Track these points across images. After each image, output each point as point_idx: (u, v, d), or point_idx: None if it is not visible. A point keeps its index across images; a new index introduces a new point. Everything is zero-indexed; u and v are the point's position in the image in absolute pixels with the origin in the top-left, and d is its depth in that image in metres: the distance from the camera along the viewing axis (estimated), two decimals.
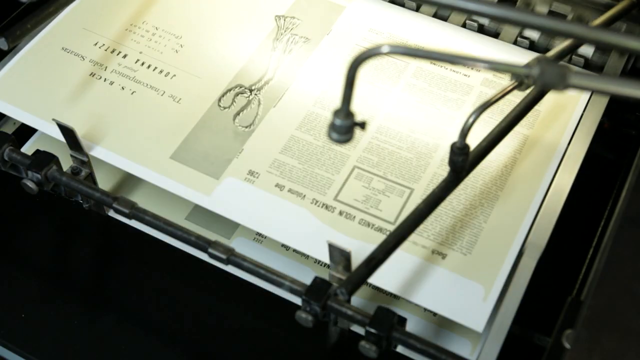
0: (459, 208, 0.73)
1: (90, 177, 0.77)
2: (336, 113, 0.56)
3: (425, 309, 0.74)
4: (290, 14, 0.87)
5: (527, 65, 0.55)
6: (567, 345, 0.59)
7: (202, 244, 0.68)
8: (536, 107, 0.76)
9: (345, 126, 0.56)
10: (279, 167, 0.76)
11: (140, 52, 0.84)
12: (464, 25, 0.88)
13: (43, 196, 0.76)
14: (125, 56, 0.84)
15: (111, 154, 0.77)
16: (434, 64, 0.82)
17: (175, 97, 0.81)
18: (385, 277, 0.68)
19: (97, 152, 0.77)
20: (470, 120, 0.64)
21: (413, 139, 0.78)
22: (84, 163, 0.77)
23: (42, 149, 0.74)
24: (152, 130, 0.78)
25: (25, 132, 0.87)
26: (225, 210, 0.73)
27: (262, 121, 0.79)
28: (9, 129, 0.86)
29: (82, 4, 0.88)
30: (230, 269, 0.71)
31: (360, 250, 0.65)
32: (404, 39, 0.85)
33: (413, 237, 0.70)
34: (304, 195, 0.74)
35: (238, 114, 0.80)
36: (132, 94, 0.81)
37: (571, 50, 0.76)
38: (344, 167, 0.76)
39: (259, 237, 0.79)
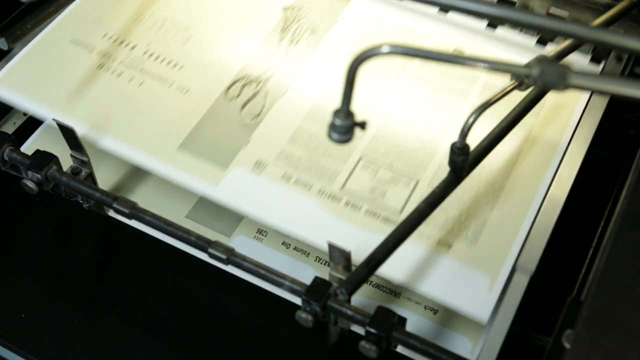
0: (465, 198, 0.73)
1: (90, 177, 0.77)
2: (336, 113, 0.56)
3: (425, 307, 0.75)
4: (296, 5, 0.87)
5: (527, 65, 0.55)
6: (567, 345, 0.59)
7: (202, 244, 0.68)
8: (538, 104, 0.76)
9: (345, 126, 0.56)
10: (286, 157, 0.76)
11: (149, 44, 0.84)
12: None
13: (43, 196, 0.76)
14: (133, 47, 0.84)
15: (119, 144, 0.77)
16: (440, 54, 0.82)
17: (183, 88, 0.81)
18: (390, 267, 0.68)
19: (105, 142, 0.77)
20: (471, 120, 0.64)
21: (419, 130, 0.78)
22: (84, 163, 0.77)
23: (42, 148, 0.74)
24: (160, 122, 0.78)
25: (26, 132, 0.87)
26: (233, 201, 0.73)
27: (269, 112, 0.79)
28: (9, 129, 0.86)
29: None
30: (230, 268, 0.71)
31: (365, 240, 0.65)
32: (411, 29, 0.85)
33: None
34: (311, 186, 0.74)
35: (245, 104, 0.80)
36: (140, 85, 0.81)
37: (571, 50, 0.76)
38: (350, 157, 0.76)
39: (260, 236, 0.79)
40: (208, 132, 0.78)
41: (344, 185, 0.75)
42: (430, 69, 0.82)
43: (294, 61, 0.83)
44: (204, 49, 0.84)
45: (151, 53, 0.84)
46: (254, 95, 0.81)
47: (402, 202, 0.74)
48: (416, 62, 0.82)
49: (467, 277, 0.69)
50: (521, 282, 0.69)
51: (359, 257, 0.66)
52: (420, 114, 0.79)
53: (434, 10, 0.87)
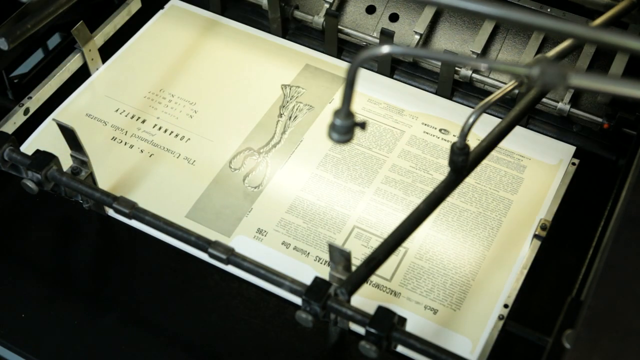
0: (450, 266, 0.78)
1: (90, 177, 0.77)
2: (336, 113, 0.56)
3: (425, 307, 0.75)
4: (295, 83, 0.93)
5: (527, 65, 0.55)
6: (567, 345, 0.59)
7: (202, 244, 0.68)
8: (519, 175, 0.83)
9: (345, 126, 0.56)
10: (285, 225, 0.81)
11: (158, 118, 0.90)
12: (450, 96, 0.92)
13: (43, 196, 0.76)
14: (144, 121, 0.89)
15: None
16: (426, 133, 0.88)
17: (190, 159, 0.86)
18: None
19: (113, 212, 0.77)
20: (471, 120, 0.64)
21: (408, 202, 0.82)
22: (84, 163, 0.77)
23: (41, 148, 0.74)
24: (168, 191, 0.83)
25: (26, 132, 0.87)
26: (234, 268, 0.74)
27: (269, 182, 0.84)
28: (9, 129, 0.86)
29: (104, 74, 0.94)
30: (230, 268, 0.71)
31: (359, 306, 0.66)
32: (400, 109, 0.90)
33: (407, 293, 0.76)
34: (308, 253, 0.79)
35: (247, 175, 0.85)
36: (150, 156, 0.86)
37: (571, 50, 0.76)
38: (344, 226, 0.81)
39: (259, 235, 0.80)
40: (213, 201, 0.83)
41: None
42: (418, 146, 0.87)
43: (293, 134, 0.88)
44: (209, 122, 0.90)
45: (160, 126, 0.89)
46: (256, 166, 0.85)
47: (392, 269, 0.78)
48: (405, 140, 0.87)
49: (451, 341, 0.73)
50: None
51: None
52: (409, 187, 0.83)
53: (422, 93, 0.92)
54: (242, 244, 0.79)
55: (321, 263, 0.78)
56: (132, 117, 0.89)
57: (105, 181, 0.82)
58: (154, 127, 0.88)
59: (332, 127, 0.56)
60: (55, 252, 0.81)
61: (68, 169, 0.76)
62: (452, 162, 0.67)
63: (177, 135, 0.88)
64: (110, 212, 0.80)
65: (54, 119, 0.76)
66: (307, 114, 0.90)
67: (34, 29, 0.83)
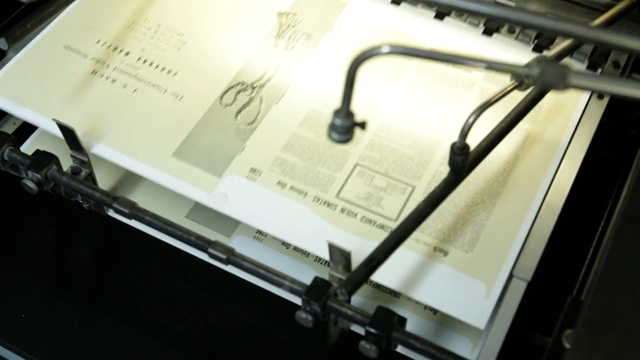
0: (461, 205, 0.73)
1: (90, 177, 0.77)
2: (336, 113, 0.56)
3: (425, 307, 0.74)
4: (292, 10, 0.87)
5: (527, 65, 0.55)
6: (567, 345, 0.59)
7: (202, 244, 0.68)
8: (538, 104, 0.75)
9: (345, 126, 0.56)
10: (280, 164, 0.76)
11: (142, 50, 0.84)
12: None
13: (43, 196, 0.76)
14: (127, 54, 0.84)
15: (113, 152, 0.77)
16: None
17: (178, 94, 0.81)
18: (387, 274, 0.68)
19: (99, 149, 0.77)
20: (471, 120, 0.64)
21: (415, 136, 0.78)
22: (84, 163, 0.77)
23: (41, 148, 0.74)
24: (154, 129, 0.78)
25: (26, 132, 0.87)
26: (227, 208, 0.73)
27: (264, 118, 0.79)
28: (9, 129, 0.86)
29: (85, 2, 0.88)
30: (230, 269, 0.71)
31: (361, 247, 0.65)
32: (407, 35, 0.85)
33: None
34: (306, 193, 0.74)
35: (240, 111, 0.80)
36: (134, 92, 0.81)
37: (571, 50, 0.76)
38: (345, 164, 0.76)
39: (259, 236, 0.79)
40: (202, 139, 0.78)
41: (339, 192, 0.75)
42: (427, 74, 0.82)
43: (289, 67, 0.83)
44: (198, 55, 0.84)
45: (145, 59, 0.83)
46: (249, 101, 0.81)
47: (398, 209, 0.74)
48: (412, 68, 0.82)
49: (464, 285, 0.69)
50: (518, 288, 0.69)
51: (355, 263, 0.67)
52: (416, 120, 0.79)
53: (430, 16, 0.87)
54: (234, 184, 0.75)
55: (320, 204, 0.74)
56: (115, 49, 0.84)
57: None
58: (138, 60, 0.83)
59: (332, 127, 0.56)
60: (55, 252, 0.81)
61: (68, 169, 0.76)
62: (452, 162, 0.67)
63: (163, 69, 0.83)
64: (110, 212, 0.80)
65: (53, 119, 0.76)
66: (304, 44, 0.85)
67: (34, 29, 0.83)
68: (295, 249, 0.78)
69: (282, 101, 0.80)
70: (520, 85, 0.68)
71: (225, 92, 0.81)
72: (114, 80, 0.82)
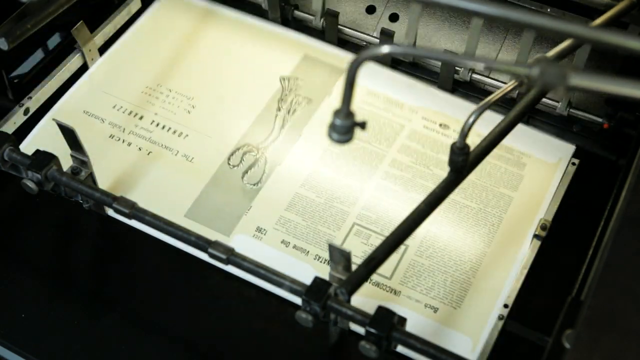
0: (450, 264, 0.77)
1: (90, 177, 0.77)
2: (336, 113, 0.56)
3: (425, 306, 0.75)
4: (294, 75, 0.92)
5: (527, 65, 0.55)
6: (567, 345, 0.59)
7: (202, 243, 0.68)
8: (519, 172, 0.83)
9: (345, 126, 0.56)
10: (284, 224, 0.80)
11: (155, 114, 0.89)
12: (452, 91, 0.92)
13: (43, 196, 0.76)
14: (141, 118, 0.88)
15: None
16: (426, 127, 0.87)
17: (188, 156, 0.85)
18: None
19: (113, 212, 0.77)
20: (471, 120, 0.64)
21: (408, 197, 0.82)
22: (84, 163, 0.77)
23: (41, 148, 0.74)
24: (167, 190, 0.83)
25: (26, 132, 0.87)
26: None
27: (268, 179, 0.84)
28: (9, 129, 0.86)
29: (101, 69, 0.93)
30: (230, 268, 0.71)
31: (359, 305, 0.65)
32: (401, 102, 0.89)
33: (408, 291, 0.76)
34: (308, 252, 0.79)
35: (246, 172, 0.84)
36: (148, 154, 0.85)
37: (571, 50, 0.76)
38: (344, 223, 0.80)
39: (259, 234, 0.79)
40: (212, 200, 0.82)
41: None
42: (419, 141, 0.86)
43: (291, 129, 0.88)
44: (207, 118, 0.89)
45: (158, 123, 0.88)
46: (255, 162, 0.85)
47: (392, 267, 0.78)
48: (405, 134, 0.86)
49: (451, 339, 0.73)
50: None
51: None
52: (409, 183, 0.83)
53: (423, 86, 0.91)
54: (242, 243, 0.79)
55: (321, 262, 0.78)
56: (130, 113, 0.88)
57: (104, 180, 0.82)
58: (151, 123, 0.88)
59: (332, 127, 0.56)
60: (55, 252, 0.81)
61: (68, 169, 0.76)
62: (452, 162, 0.67)
63: (175, 132, 0.87)
64: (110, 212, 0.80)
65: (53, 119, 0.76)
66: (305, 108, 0.89)
67: (34, 29, 0.83)
68: (295, 247, 0.79)
69: (286, 162, 0.85)
70: (520, 85, 0.68)
71: (233, 153, 0.86)
72: (129, 144, 0.86)
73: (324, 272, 0.69)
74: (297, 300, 0.65)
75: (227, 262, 0.67)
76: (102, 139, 0.86)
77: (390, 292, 0.76)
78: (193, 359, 0.73)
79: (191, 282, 0.77)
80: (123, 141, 0.86)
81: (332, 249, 0.67)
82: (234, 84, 0.91)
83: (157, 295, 0.77)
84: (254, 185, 0.83)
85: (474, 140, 0.68)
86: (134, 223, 0.77)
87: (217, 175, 0.84)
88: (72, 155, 0.77)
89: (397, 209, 0.81)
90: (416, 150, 0.85)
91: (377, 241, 0.78)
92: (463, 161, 0.67)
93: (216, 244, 0.67)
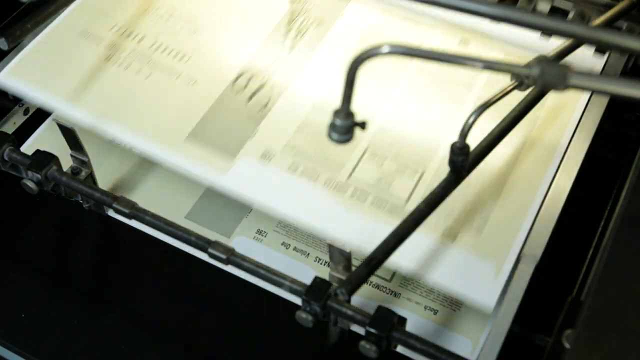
0: (470, 189, 0.73)
1: (90, 177, 0.77)
2: (336, 113, 0.56)
3: (425, 307, 0.75)
4: None
5: (527, 65, 0.55)
6: (567, 345, 0.59)
7: (202, 243, 0.68)
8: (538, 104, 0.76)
9: (345, 126, 0.56)
10: (292, 148, 0.76)
11: (156, 35, 0.84)
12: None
13: (43, 196, 0.76)
14: (141, 40, 0.84)
15: (127, 135, 0.76)
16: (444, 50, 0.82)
17: (191, 80, 0.81)
18: (397, 256, 0.68)
19: (114, 133, 0.76)
20: (471, 120, 0.64)
21: (424, 121, 0.78)
22: (84, 163, 0.77)
23: (42, 148, 0.74)
24: (167, 113, 0.78)
25: (26, 132, 0.87)
26: (240, 190, 0.73)
27: (275, 104, 0.79)
28: (9, 129, 0.86)
29: None
30: (230, 268, 0.71)
31: (371, 230, 0.64)
32: (417, 21, 0.85)
33: (408, 294, 0.73)
34: (318, 176, 0.74)
35: (252, 96, 0.80)
36: (148, 77, 0.81)
37: (571, 50, 0.76)
38: (356, 148, 0.76)
39: (259, 236, 0.79)
40: (215, 123, 0.78)
41: (350, 175, 0.74)
42: (425, 76, 0.82)
43: (300, 54, 0.83)
44: (211, 41, 0.84)
45: (159, 45, 0.84)
46: (261, 87, 0.81)
47: (407, 192, 0.73)
48: (407, 78, 0.82)
49: (473, 266, 0.69)
50: (526, 271, 0.68)
51: (364, 248, 0.66)
52: (426, 105, 0.79)
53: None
54: (247, 166, 0.75)
55: (321, 264, 0.77)
56: (129, 35, 0.84)
57: (104, 181, 0.81)
58: (151, 45, 0.83)
59: (332, 127, 0.56)
60: (55, 252, 0.81)
61: (68, 169, 0.76)
62: (451, 162, 0.67)
63: (176, 55, 0.83)
64: (110, 212, 0.80)
65: (54, 119, 0.76)
66: (315, 31, 0.85)
67: (33, 29, 0.83)
68: (295, 249, 0.78)
69: (294, 87, 0.80)
70: (520, 85, 0.68)
71: (238, 77, 0.81)
72: (128, 66, 0.82)
73: (325, 275, 0.69)
74: (297, 300, 0.65)
75: (227, 262, 0.67)
76: (99, 60, 0.81)
77: (390, 294, 0.76)
78: (193, 359, 0.73)
79: (191, 282, 0.77)
80: (121, 63, 0.82)
81: (332, 249, 0.67)
82: (239, 7, 0.87)
83: (157, 295, 0.77)
84: (260, 110, 0.79)
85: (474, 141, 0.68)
86: (134, 223, 0.77)
87: (221, 99, 0.79)
88: (72, 155, 0.77)
89: (412, 133, 0.77)
90: (434, 71, 0.80)
91: (391, 166, 0.74)
92: (463, 161, 0.67)
93: (216, 244, 0.67)
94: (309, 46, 0.84)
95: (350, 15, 0.87)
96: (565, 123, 0.79)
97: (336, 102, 0.77)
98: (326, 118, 0.76)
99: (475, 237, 0.71)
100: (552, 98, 0.79)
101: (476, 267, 0.69)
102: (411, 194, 0.74)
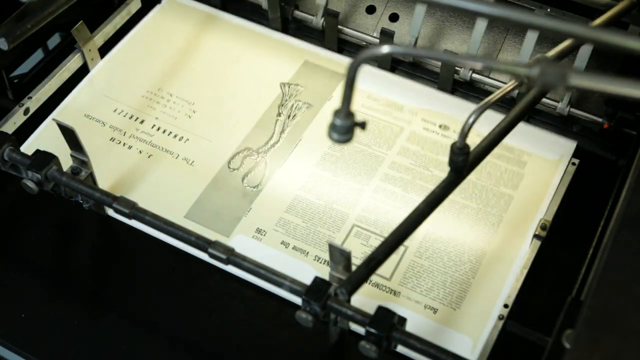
0: (450, 264, 0.77)
1: (90, 177, 0.77)
2: (336, 113, 0.56)
3: (425, 307, 0.75)
4: (294, 81, 0.92)
5: (527, 65, 0.55)
6: (567, 345, 0.59)
7: (202, 243, 0.68)
8: (520, 171, 0.83)
9: (345, 126, 0.56)
10: (284, 225, 0.81)
11: (156, 118, 0.89)
12: (452, 91, 0.92)
13: (43, 196, 0.76)
14: (142, 122, 0.89)
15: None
16: (426, 129, 0.88)
17: (189, 159, 0.86)
18: None
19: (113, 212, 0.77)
20: (471, 120, 0.64)
21: (408, 199, 0.82)
22: (84, 163, 0.77)
23: (42, 148, 0.74)
24: (167, 192, 0.83)
25: (26, 132, 0.87)
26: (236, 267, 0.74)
27: (268, 182, 0.84)
28: (9, 129, 0.86)
29: (101, 72, 0.93)
30: (230, 268, 0.71)
31: (359, 306, 0.65)
32: (400, 106, 0.90)
33: (407, 292, 0.76)
34: (307, 252, 0.79)
35: (246, 175, 0.85)
36: (149, 157, 0.86)
37: (571, 50, 0.76)
38: (344, 225, 0.81)
39: (259, 235, 0.80)
40: (212, 201, 0.82)
41: None
42: (418, 142, 0.87)
43: (291, 134, 0.88)
44: (208, 122, 0.89)
45: (159, 127, 0.89)
46: (255, 165, 0.85)
47: (392, 268, 0.78)
48: (404, 136, 0.87)
49: (452, 340, 0.73)
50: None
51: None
52: (409, 184, 0.83)
53: (422, 87, 0.92)
54: (242, 243, 0.78)
55: (321, 262, 0.78)
56: (131, 117, 0.89)
57: (105, 181, 0.82)
58: (152, 127, 0.88)
59: (332, 127, 0.56)
60: (55, 252, 0.81)
61: (68, 169, 0.76)
62: (452, 162, 0.67)
63: (175, 136, 0.87)
64: (110, 212, 0.80)
65: (54, 119, 0.76)
66: (305, 113, 0.90)
67: (34, 29, 0.83)
68: (295, 248, 0.79)
69: (285, 165, 0.85)
70: (520, 85, 0.68)
71: (233, 157, 0.86)
72: (130, 147, 0.87)
73: (324, 273, 0.69)
74: (297, 300, 0.65)
75: (227, 262, 0.67)
76: (103, 142, 0.86)
77: (390, 293, 0.76)
78: (193, 359, 0.73)
79: (191, 282, 0.77)
80: (124, 145, 0.86)
81: (332, 248, 0.67)
82: (234, 90, 0.92)
83: (157, 295, 0.77)
84: (254, 187, 0.83)
85: (474, 140, 0.68)
86: (134, 223, 0.77)
87: (218, 178, 0.84)
88: (72, 155, 0.77)
89: (396, 210, 0.81)
90: (416, 152, 0.86)
91: (376, 242, 0.78)
92: (463, 161, 0.67)
93: (216, 244, 0.67)
94: (300, 127, 0.89)
95: (337, 99, 0.88)
96: (539, 199, 0.82)
97: (324, 182, 0.83)
98: (314, 197, 0.83)
99: (454, 311, 0.75)
100: (528, 178, 0.84)
101: (454, 341, 0.73)
102: (395, 269, 0.78)
